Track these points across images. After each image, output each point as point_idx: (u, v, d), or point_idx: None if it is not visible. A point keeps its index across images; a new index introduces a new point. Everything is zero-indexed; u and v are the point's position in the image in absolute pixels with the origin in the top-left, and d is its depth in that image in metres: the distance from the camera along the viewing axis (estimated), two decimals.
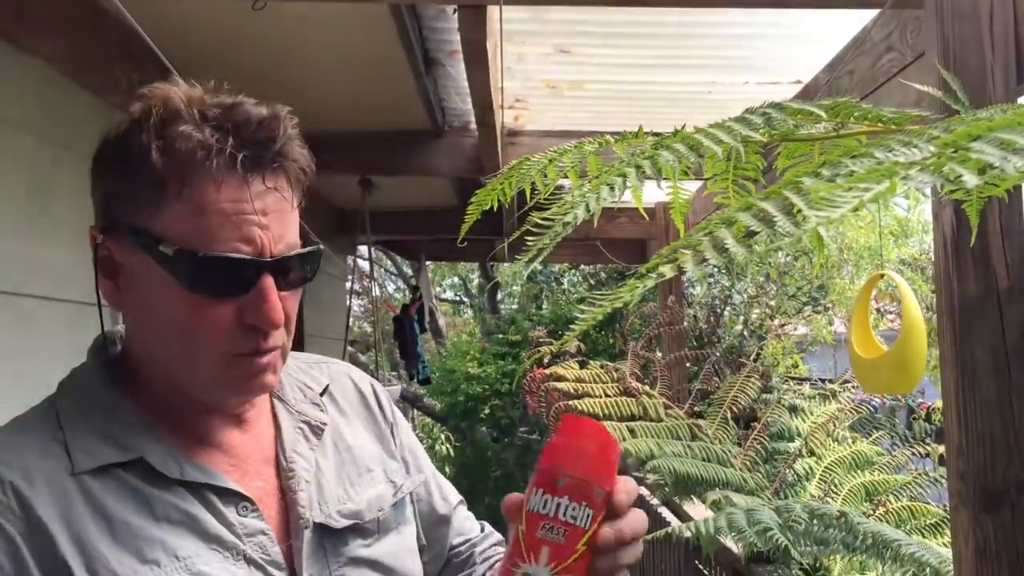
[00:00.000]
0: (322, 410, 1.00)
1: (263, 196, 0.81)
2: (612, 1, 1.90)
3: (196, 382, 0.85)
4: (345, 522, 0.92)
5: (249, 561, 0.83)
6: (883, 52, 2.22)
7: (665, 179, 1.03)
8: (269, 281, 0.82)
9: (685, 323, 5.04)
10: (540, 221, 0.81)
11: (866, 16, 2.29)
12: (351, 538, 0.92)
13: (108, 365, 0.89)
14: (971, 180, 0.44)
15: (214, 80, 0.86)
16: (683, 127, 1.00)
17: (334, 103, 3.19)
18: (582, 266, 8.71)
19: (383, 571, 0.94)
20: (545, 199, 0.99)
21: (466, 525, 1.16)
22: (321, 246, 0.92)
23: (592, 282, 8.46)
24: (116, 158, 0.82)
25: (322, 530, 0.90)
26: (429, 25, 2.52)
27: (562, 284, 9.37)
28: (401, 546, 0.98)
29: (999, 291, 1.62)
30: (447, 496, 1.13)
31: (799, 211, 0.59)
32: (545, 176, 1.12)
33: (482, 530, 1.18)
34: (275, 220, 0.83)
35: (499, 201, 1.17)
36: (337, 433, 1.00)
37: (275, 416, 0.96)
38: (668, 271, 0.61)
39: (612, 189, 0.75)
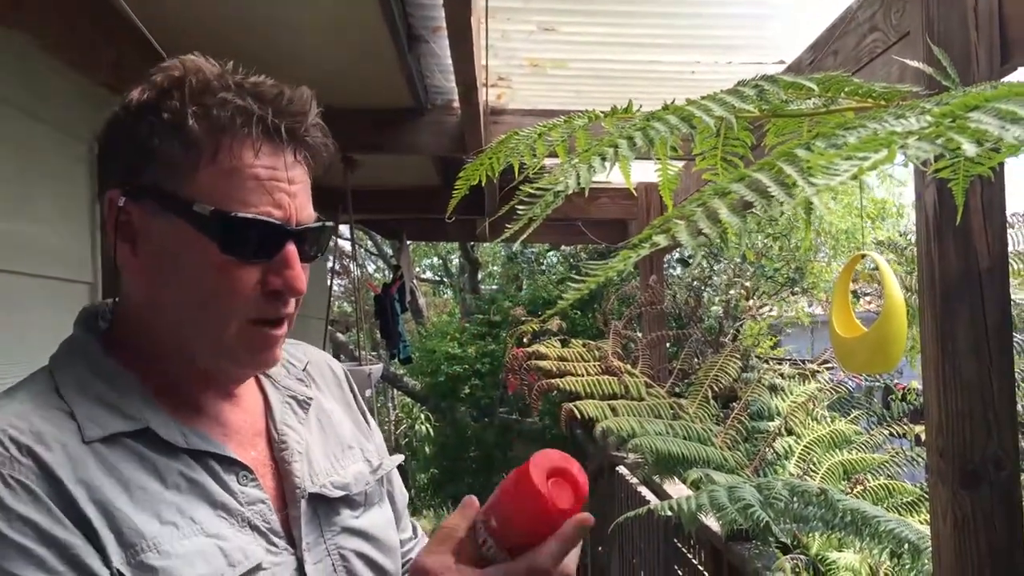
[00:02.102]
0: (307, 385, 1.03)
1: (294, 167, 0.86)
2: None
3: (211, 348, 0.86)
4: (338, 493, 0.94)
5: (253, 528, 0.85)
6: (867, 32, 2.22)
7: (656, 158, 1.03)
8: (294, 249, 0.86)
9: (666, 303, 5.06)
10: (531, 191, 0.81)
11: None
12: (342, 508, 0.94)
13: (102, 337, 0.89)
14: (970, 149, 0.44)
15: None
16: (673, 101, 0.99)
17: (316, 80, 3.12)
18: (563, 247, 8.70)
19: (371, 541, 0.96)
20: (532, 175, 0.99)
21: (409, 524, 1.18)
22: (331, 223, 0.94)
23: (573, 262, 8.46)
24: (143, 124, 0.83)
25: (316, 500, 0.92)
26: (413, 1, 2.50)
27: (542, 265, 9.37)
28: (384, 518, 1.02)
29: (980, 270, 1.64)
30: (402, 491, 1.16)
31: (794, 182, 0.59)
32: (534, 151, 1.11)
33: (414, 533, 1.19)
34: (301, 191, 0.87)
35: (481, 180, 1.17)
36: (320, 409, 1.03)
37: (263, 390, 0.97)
38: (662, 240, 0.61)
39: (604, 160, 0.75)
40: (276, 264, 0.85)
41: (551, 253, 9.35)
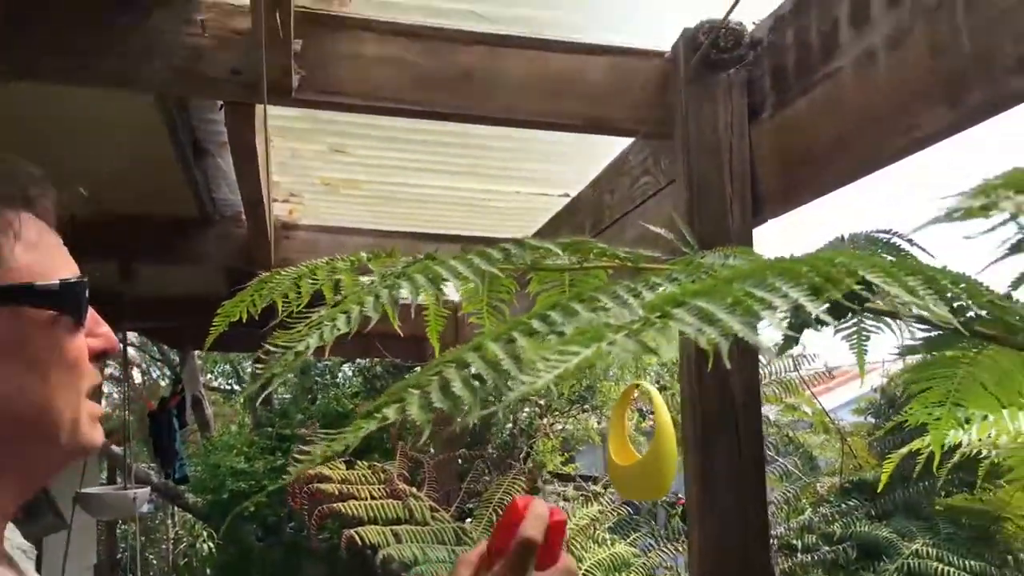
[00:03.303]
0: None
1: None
2: (378, 111, 1.91)
3: (69, 427, 0.82)
4: None
5: None
6: (640, 175, 2.37)
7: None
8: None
9: (458, 420, 5.03)
10: (278, 344, 0.78)
11: (627, 139, 2.44)
12: None
13: None
14: (668, 352, 0.46)
15: None
16: (434, 253, 1.00)
17: (97, 186, 3.00)
18: (358, 359, 8.58)
19: None
20: (297, 313, 0.97)
21: None
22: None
23: (367, 375, 8.35)
24: None
25: None
26: (198, 116, 2.45)
27: (336, 378, 9.19)
28: None
29: (736, 406, 1.74)
30: None
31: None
32: (298, 290, 1.09)
33: None
34: None
35: (241, 317, 1.14)
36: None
37: None
38: (392, 414, 0.60)
39: (348, 319, 0.74)
40: (91, 323, 0.86)
41: (346, 365, 9.20)
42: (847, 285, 0.54)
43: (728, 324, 0.48)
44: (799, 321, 0.52)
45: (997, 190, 0.46)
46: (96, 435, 0.87)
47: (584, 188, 2.83)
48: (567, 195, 3.04)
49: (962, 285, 0.61)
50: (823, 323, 0.65)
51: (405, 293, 0.83)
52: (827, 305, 0.55)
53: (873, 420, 4.31)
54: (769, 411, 4.00)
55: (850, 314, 0.69)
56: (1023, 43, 1.12)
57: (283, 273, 1.10)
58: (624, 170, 2.48)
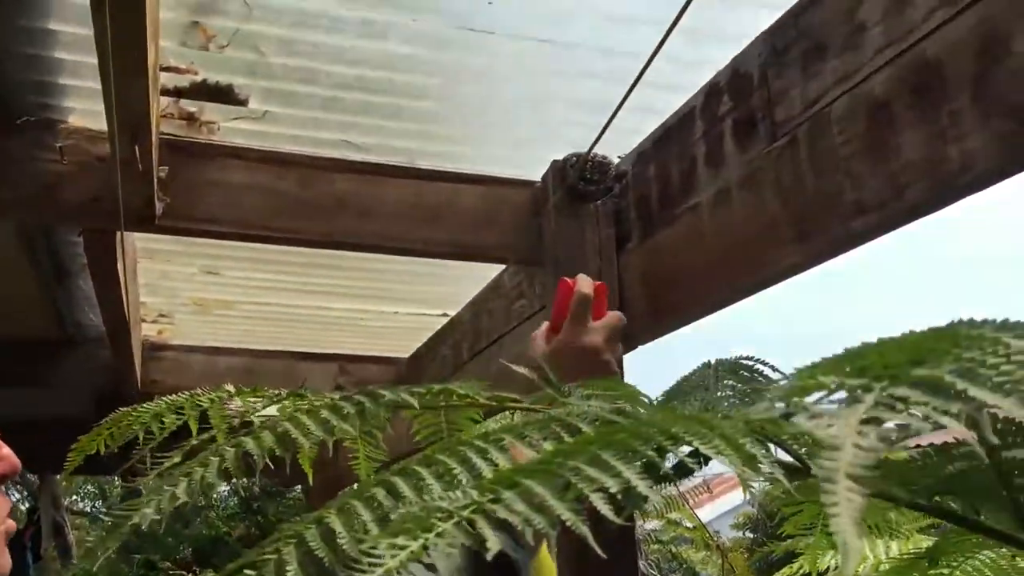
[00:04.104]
0: None
1: None
2: (247, 239, 1.89)
3: None
4: None
5: None
6: (515, 298, 2.39)
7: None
8: None
9: None
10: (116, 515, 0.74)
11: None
12: None
13: None
14: (494, 546, 0.44)
15: None
16: (286, 399, 0.97)
17: None
18: (234, 479, 8.25)
19: None
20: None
21: None
22: None
23: (245, 496, 8.01)
24: None
25: None
26: (59, 238, 2.36)
27: (211, 498, 8.78)
28: None
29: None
30: None
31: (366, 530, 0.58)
32: (162, 424, 1.06)
33: None
34: None
35: (99, 450, 1.10)
36: None
37: None
38: None
39: (189, 485, 0.70)
40: None
41: (223, 487, 8.81)
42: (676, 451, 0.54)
43: (554, 512, 0.48)
44: (631, 499, 0.52)
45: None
46: (3, 560, 0.84)
47: (462, 308, 2.84)
48: (446, 315, 3.04)
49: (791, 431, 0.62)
50: (669, 479, 0.65)
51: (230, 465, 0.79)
52: (663, 472, 0.55)
53: (752, 535, 4.36)
54: (652, 526, 4.00)
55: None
56: (861, 188, 1.19)
57: (141, 409, 1.06)
58: (501, 292, 2.51)
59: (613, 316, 1.38)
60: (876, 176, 1.16)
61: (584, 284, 1.34)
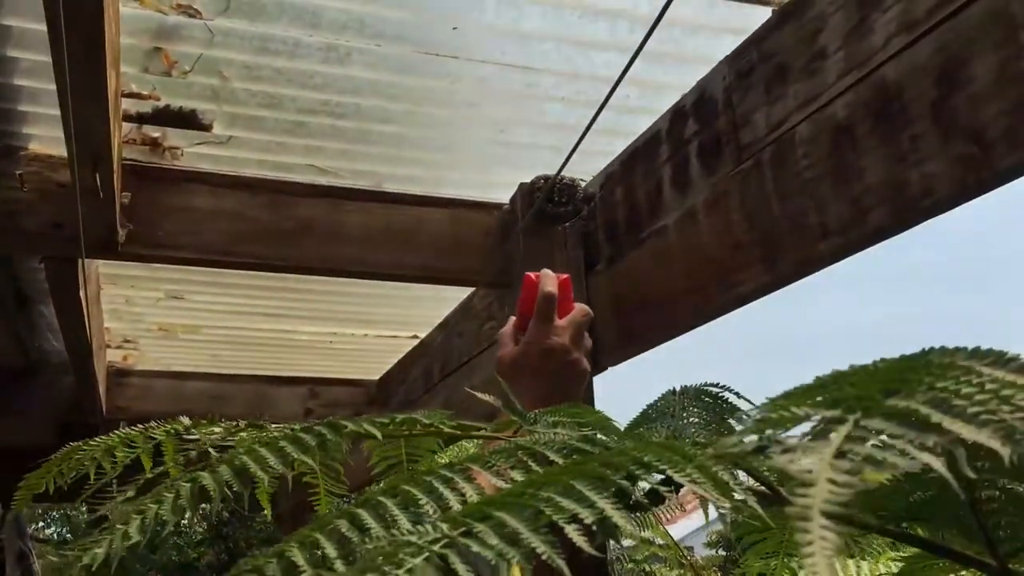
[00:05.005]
0: None
1: None
2: (213, 264, 1.86)
3: None
4: None
5: None
6: (485, 319, 2.38)
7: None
8: None
9: None
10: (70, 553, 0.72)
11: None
12: None
13: None
14: None
15: None
16: (243, 430, 0.96)
17: None
18: (203, 504, 8.14)
19: None
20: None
21: None
22: None
23: (214, 522, 7.91)
24: None
25: None
26: (21, 264, 2.32)
27: (179, 525, 8.65)
28: None
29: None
30: None
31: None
32: (114, 460, 1.03)
33: None
34: None
35: (48, 488, 1.07)
36: None
37: None
38: None
39: (142, 523, 0.68)
40: None
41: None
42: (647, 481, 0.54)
43: (529, 544, 0.47)
44: (605, 528, 0.51)
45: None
46: None
47: (433, 330, 2.82)
48: (416, 337, 3.02)
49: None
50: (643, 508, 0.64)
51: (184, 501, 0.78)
52: (635, 500, 0.55)
53: (724, 552, 4.36)
54: (625, 545, 3.98)
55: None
56: (825, 211, 1.20)
57: (92, 443, 1.04)
58: (471, 313, 2.49)
59: (579, 311, 1.34)
60: (839, 200, 1.16)
61: (548, 282, 1.32)
